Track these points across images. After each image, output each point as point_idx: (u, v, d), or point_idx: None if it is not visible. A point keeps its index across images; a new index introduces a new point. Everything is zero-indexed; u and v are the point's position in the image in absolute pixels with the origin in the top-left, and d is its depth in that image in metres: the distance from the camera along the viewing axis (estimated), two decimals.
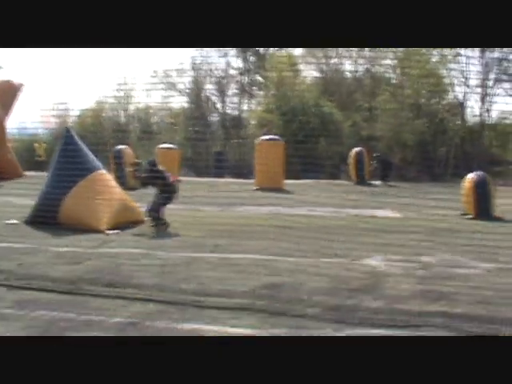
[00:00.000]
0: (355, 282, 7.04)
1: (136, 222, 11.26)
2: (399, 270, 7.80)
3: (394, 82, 34.46)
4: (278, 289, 6.67)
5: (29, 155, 28.90)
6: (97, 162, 11.58)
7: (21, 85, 23.05)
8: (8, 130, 22.73)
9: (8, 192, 15.70)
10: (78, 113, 34.74)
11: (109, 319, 5.52)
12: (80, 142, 11.58)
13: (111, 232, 10.39)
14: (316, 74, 36.83)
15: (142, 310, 5.86)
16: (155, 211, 10.90)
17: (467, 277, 7.50)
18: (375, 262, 8.31)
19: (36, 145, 28.98)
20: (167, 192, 10.99)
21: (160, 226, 10.81)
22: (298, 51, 36.57)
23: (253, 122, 35.57)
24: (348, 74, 36.31)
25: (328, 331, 5.26)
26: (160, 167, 11.26)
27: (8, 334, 5.02)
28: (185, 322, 5.48)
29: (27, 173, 22.05)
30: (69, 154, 11.10)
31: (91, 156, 11.56)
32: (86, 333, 5.10)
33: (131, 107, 37.40)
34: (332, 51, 32.78)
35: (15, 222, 11.11)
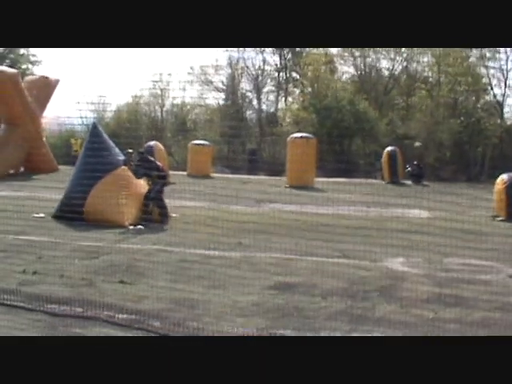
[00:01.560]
0: (371, 284, 6.92)
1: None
2: (419, 273, 7.63)
3: (431, 80, 33.88)
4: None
5: (66, 150, 29.30)
6: (121, 158, 11.60)
7: (57, 80, 23.39)
8: (44, 125, 23.11)
9: (41, 185, 15.91)
10: (114, 108, 35.04)
11: None
12: (106, 138, 11.66)
13: (134, 227, 10.46)
14: (352, 71, 36.46)
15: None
16: (159, 199, 11.30)
17: (488, 282, 7.29)
18: (396, 263, 8.15)
19: (72, 140, 29.37)
20: (162, 179, 11.53)
21: (166, 211, 11.26)
22: (334, 49, 36.21)
23: (288, 120, 35.37)
24: (385, 72, 35.78)
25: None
26: (150, 157, 12.00)
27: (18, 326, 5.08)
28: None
29: (62, 167, 22.33)
30: (94, 150, 11.18)
31: (117, 151, 11.62)
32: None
33: (167, 103, 37.54)
34: (369, 49, 32.37)
35: (42, 215, 11.24)
